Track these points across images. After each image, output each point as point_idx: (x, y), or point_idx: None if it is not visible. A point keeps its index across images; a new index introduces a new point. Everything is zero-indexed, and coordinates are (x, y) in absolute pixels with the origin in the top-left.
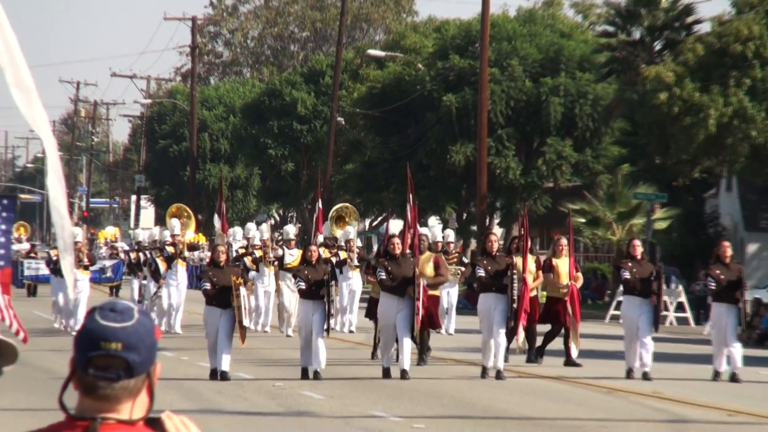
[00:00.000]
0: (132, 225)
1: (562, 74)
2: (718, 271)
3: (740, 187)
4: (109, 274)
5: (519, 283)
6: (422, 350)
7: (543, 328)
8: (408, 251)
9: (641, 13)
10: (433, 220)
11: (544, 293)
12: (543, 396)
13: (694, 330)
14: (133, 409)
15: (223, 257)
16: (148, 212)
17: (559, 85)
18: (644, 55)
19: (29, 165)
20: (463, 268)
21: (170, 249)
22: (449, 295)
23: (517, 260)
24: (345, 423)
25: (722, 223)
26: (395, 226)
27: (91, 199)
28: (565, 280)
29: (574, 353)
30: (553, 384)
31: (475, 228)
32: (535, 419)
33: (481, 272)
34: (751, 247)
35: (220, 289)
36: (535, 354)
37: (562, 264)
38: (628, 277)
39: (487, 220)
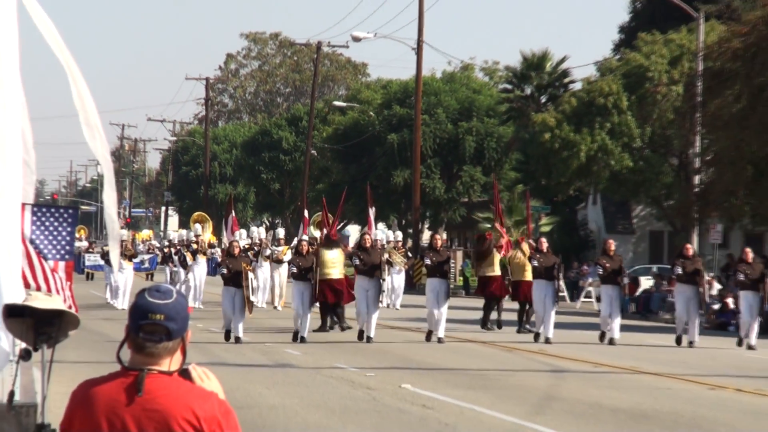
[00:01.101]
0: (162, 228)
1: (474, 119)
2: (604, 261)
3: (602, 201)
4: (146, 264)
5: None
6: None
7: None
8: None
9: (531, 75)
10: (381, 226)
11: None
12: (465, 354)
13: (569, 305)
14: (171, 363)
15: (236, 250)
16: (173, 219)
17: (472, 127)
18: (533, 105)
19: (87, 185)
20: (405, 260)
21: (194, 245)
22: (397, 278)
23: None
24: (316, 372)
25: (590, 228)
26: (354, 229)
27: (132, 209)
28: (528, 267)
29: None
30: (476, 346)
31: (410, 230)
32: (454, 369)
33: (428, 262)
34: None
35: (234, 273)
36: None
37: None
38: (536, 265)
39: (420, 225)
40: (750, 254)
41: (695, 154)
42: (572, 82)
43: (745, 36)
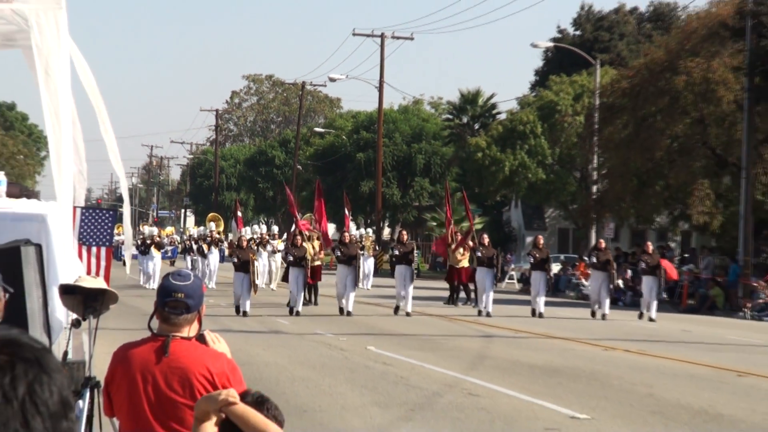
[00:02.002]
0: (182, 226)
1: (423, 142)
2: (535, 252)
3: (522, 205)
4: (169, 254)
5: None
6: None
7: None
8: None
9: (467, 108)
10: (352, 225)
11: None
12: (421, 324)
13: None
14: (190, 330)
15: (244, 243)
16: (191, 219)
17: (421, 148)
18: (469, 131)
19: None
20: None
21: (210, 239)
22: (368, 264)
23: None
24: (301, 337)
25: (512, 226)
26: (330, 227)
27: (159, 211)
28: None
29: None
30: (432, 319)
31: (374, 228)
32: (409, 335)
33: (396, 252)
34: (528, 239)
35: (243, 262)
36: (464, 301)
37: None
38: (480, 255)
39: (381, 224)
40: (650, 247)
41: (593, 169)
42: (499, 113)
43: (631, 78)
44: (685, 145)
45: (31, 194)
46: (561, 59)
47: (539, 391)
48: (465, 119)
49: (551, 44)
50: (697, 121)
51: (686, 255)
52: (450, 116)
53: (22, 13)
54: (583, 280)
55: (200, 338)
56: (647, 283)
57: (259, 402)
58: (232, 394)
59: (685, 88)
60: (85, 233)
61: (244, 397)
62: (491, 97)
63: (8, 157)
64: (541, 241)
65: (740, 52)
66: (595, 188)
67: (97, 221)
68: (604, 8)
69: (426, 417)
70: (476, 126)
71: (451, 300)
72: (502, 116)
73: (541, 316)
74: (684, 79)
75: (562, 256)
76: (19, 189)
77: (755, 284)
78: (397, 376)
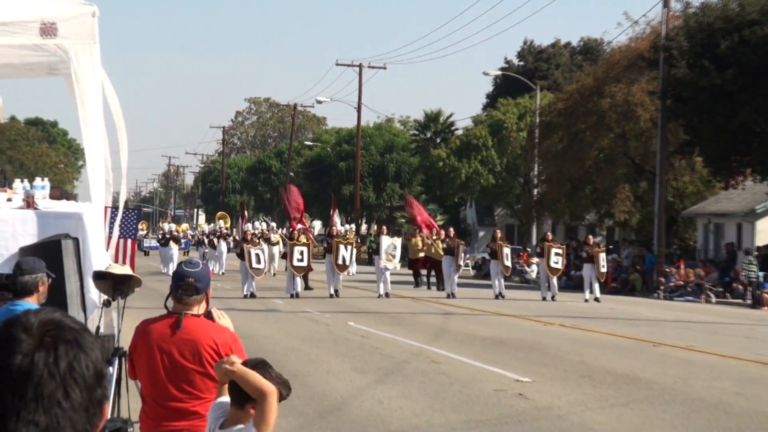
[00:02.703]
0: (194, 223)
1: (394, 153)
2: (492, 244)
3: (476, 205)
4: (182, 246)
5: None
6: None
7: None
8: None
9: (431, 125)
10: (337, 220)
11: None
12: (394, 305)
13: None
14: (199, 309)
15: (249, 236)
16: (202, 217)
17: (393, 158)
18: (432, 144)
19: (147, 194)
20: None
21: (219, 233)
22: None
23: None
24: (293, 314)
25: (468, 222)
26: (317, 224)
27: (176, 210)
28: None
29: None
30: (405, 300)
31: (353, 224)
32: (382, 312)
33: (375, 246)
34: (480, 233)
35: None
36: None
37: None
38: (446, 246)
39: (359, 221)
40: (591, 240)
41: (534, 176)
42: (456, 129)
43: (566, 101)
44: (609, 156)
45: (70, 196)
46: (508, 85)
47: (490, 358)
48: (428, 134)
49: (500, 73)
50: (619, 136)
51: (611, 246)
52: (416, 132)
53: (63, 47)
54: (526, 267)
55: (208, 315)
56: (587, 270)
57: (258, 365)
58: (232, 359)
59: (610, 109)
60: (116, 228)
61: (246, 363)
62: (450, 116)
63: (51, 165)
64: (499, 235)
65: (655, 80)
66: (535, 191)
67: (125, 218)
68: (543, 43)
69: (396, 380)
70: (438, 140)
71: (417, 283)
72: (459, 132)
73: (502, 296)
74: (609, 102)
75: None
76: (60, 192)
77: (667, 270)
78: (373, 346)
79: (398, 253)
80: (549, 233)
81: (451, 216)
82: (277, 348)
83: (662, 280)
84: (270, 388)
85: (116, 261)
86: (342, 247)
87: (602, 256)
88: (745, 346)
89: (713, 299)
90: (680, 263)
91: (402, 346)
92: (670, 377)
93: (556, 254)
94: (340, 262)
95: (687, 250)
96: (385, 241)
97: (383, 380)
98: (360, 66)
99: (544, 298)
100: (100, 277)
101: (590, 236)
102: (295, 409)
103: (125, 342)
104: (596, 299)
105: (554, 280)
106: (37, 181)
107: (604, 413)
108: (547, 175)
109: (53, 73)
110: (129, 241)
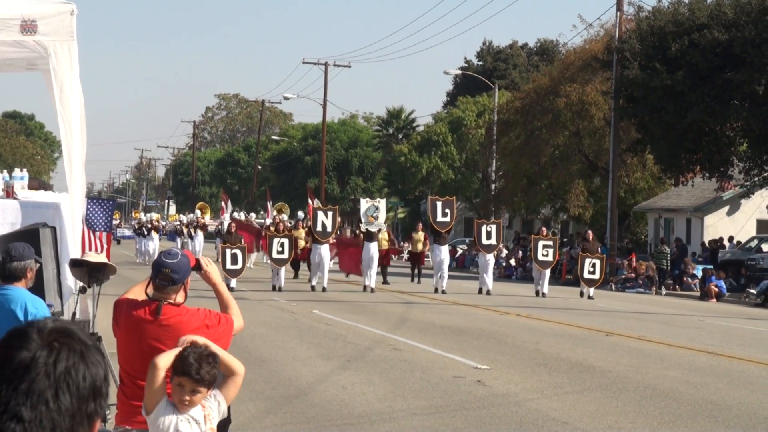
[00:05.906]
0: (165, 213)
1: (358, 148)
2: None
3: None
4: (164, 235)
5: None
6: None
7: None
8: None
9: (393, 121)
10: (301, 214)
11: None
12: (378, 298)
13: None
14: (177, 297)
15: (233, 229)
16: (173, 208)
17: (356, 152)
18: (394, 140)
19: (120, 186)
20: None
21: (196, 224)
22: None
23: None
24: (260, 302)
25: (429, 215)
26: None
27: (147, 201)
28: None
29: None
30: (387, 294)
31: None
32: (346, 302)
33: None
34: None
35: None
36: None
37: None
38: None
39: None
40: (544, 231)
41: (492, 171)
42: (417, 126)
43: (523, 99)
44: (564, 153)
45: (47, 187)
46: (467, 84)
47: (449, 346)
48: (391, 130)
49: (460, 72)
50: (574, 133)
51: (565, 239)
52: (379, 128)
53: (42, 43)
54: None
55: (197, 264)
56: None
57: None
58: (185, 340)
59: (565, 108)
60: (92, 219)
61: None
62: (411, 113)
63: (28, 157)
64: (482, 228)
65: (608, 80)
66: (493, 186)
67: (100, 209)
68: (502, 44)
69: (359, 366)
70: (400, 136)
71: (415, 278)
72: (420, 128)
73: (484, 290)
74: (564, 101)
75: (467, 240)
76: (38, 183)
77: (619, 263)
78: (337, 334)
79: (381, 215)
80: (544, 228)
81: (412, 209)
82: (245, 335)
83: (614, 272)
84: (241, 368)
85: (91, 249)
86: (275, 240)
87: (541, 243)
88: (694, 337)
89: (663, 291)
90: (632, 256)
91: (365, 334)
92: (622, 366)
93: (545, 246)
94: (275, 255)
95: (638, 244)
96: (365, 204)
97: (347, 366)
98: (326, 64)
99: (537, 293)
100: (77, 265)
101: (543, 228)
102: (262, 394)
103: (100, 328)
104: (590, 297)
105: (547, 272)
106: (16, 172)
107: (560, 400)
108: (505, 170)
109: (32, 68)
110: (104, 234)
